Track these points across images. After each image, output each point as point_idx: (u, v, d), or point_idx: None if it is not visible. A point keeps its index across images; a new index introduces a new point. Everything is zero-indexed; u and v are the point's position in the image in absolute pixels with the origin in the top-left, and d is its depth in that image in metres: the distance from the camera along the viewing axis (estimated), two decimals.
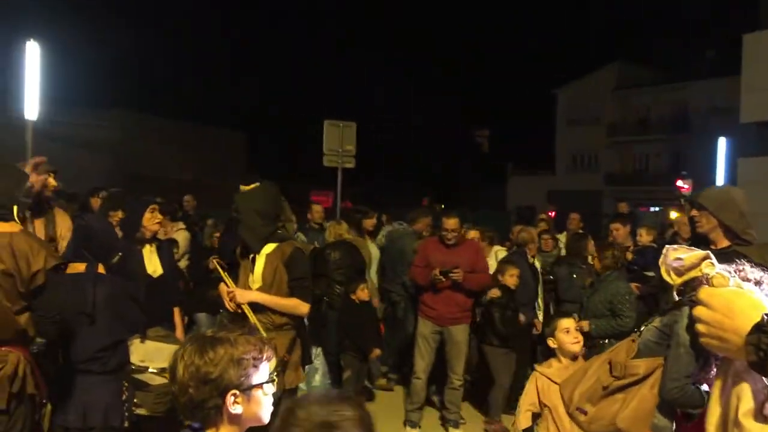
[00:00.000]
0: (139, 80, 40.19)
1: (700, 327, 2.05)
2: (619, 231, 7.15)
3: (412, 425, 6.18)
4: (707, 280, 2.09)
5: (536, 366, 3.99)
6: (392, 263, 7.69)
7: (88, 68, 29.43)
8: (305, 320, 4.34)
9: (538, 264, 7.19)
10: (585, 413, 3.26)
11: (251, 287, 4.03)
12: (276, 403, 3.60)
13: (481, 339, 6.42)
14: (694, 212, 3.66)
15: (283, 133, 43.78)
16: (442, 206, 15.09)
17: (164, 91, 39.50)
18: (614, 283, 5.57)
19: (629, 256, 6.58)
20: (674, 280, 2.24)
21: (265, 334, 3.81)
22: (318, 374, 7.01)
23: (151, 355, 3.95)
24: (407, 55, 63.10)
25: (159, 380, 3.84)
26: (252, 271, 4.06)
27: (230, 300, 3.97)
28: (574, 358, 3.85)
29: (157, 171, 26.92)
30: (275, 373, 3.37)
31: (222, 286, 4.11)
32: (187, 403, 1.83)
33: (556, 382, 3.62)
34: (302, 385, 6.05)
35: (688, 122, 35.18)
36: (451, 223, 6.04)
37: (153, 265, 4.77)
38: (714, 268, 2.13)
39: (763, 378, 1.92)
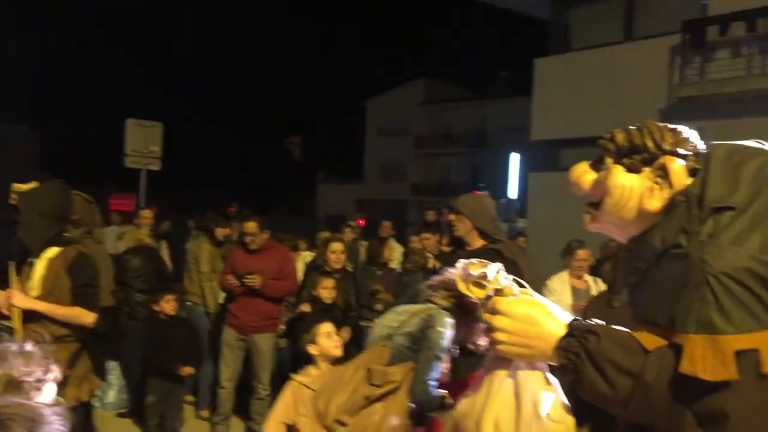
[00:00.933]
0: None
1: (500, 336, 2.16)
2: (429, 240, 7.40)
3: None
4: (497, 291, 2.22)
5: (292, 375, 3.79)
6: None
7: None
8: (98, 332, 3.99)
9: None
10: (344, 425, 3.17)
11: (30, 294, 3.67)
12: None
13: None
14: (452, 217, 4.17)
15: (80, 133, 40.90)
16: (250, 212, 14.83)
17: None
18: (416, 285, 5.76)
19: (433, 263, 6.83)
20: (476, 293, 2.27)
21: (19, 333, 3.48)
22: (112, 390, 6.53)
23: None
24: (223, 58, 61.70)
25: None
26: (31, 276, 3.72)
27: (6, 299, 3.59)
28: (334, 362, 3.74)
29: None
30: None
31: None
32: None
33: (314, 390, 3.46)
34: (96, 403, 5.59)
35: (486, 137, 37.65)
36: (249, 226, 5.91)
37: None
38: (505, 279, 2.26)
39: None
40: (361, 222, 14.27)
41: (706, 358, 1.89)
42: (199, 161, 41.89)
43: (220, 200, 12.44)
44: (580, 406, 2.13)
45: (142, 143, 11.43)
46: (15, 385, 1.52)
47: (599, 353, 1.98)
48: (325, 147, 47.34)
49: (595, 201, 2.44)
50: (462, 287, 2.29)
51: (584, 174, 2.49)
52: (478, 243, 4.20)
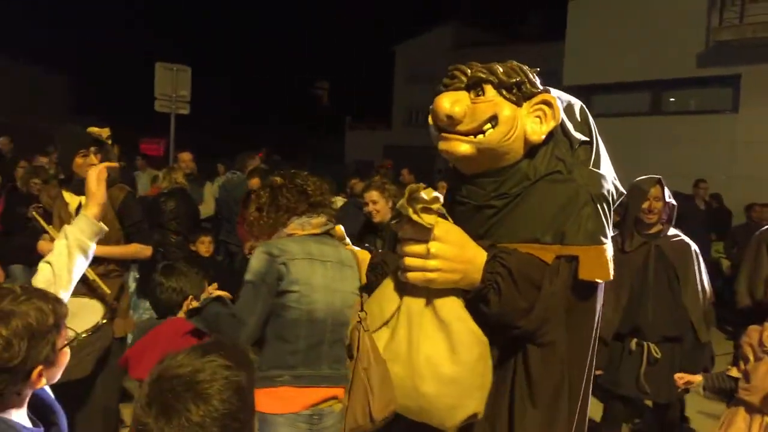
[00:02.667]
0: None
1: (436, 263, 2.22)
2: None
3: None
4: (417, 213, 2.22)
5: None
6: (228, 214, 7.47)
7: None
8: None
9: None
10: None
11: None
12: (106, 354, 3.38)
13: None
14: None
15: (109, 76, 41.02)
16: (279, 157, 14.89)
17: None
18: None
19: None
20: (426, 219, 2.23)
21: (108, 291, 3.56)
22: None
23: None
24: (251, 2, 60.99)
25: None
26: None
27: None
28: None
29: None
30: (104, 321, 3.16)
31: (45, 238, 3.78)
32: None
33: None
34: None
35: None
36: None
37: None
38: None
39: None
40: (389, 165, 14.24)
41: (595, 265, 2.32)
42: (227, 106, 41.88)
43: (249, 145, 12.46)
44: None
45: (171, 87, 11.42)
46: (39, 336, 1.53)
47: (517, 271, 2.26)
48: (352, 93, 47.01)
49: (468, 129, 2.48)
50: (411, 213, 2.21)
51: (460, 102, 2.51)
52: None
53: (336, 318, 2.86)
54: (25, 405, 1.62)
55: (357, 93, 47.08)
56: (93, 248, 2.15)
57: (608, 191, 2.48)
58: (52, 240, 3.66)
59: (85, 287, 3.50)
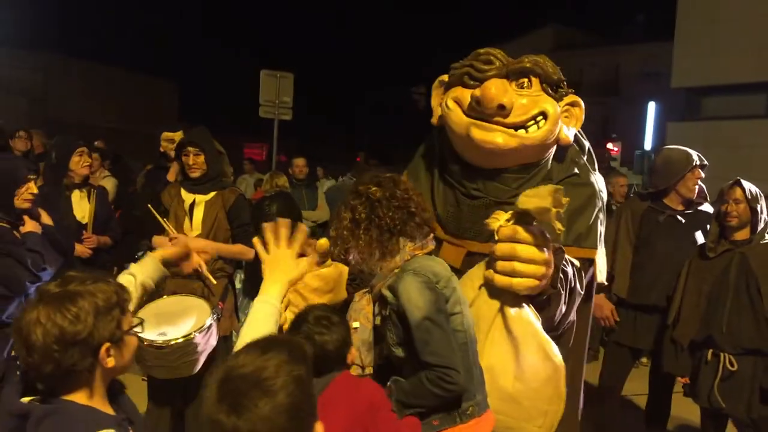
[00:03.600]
0: (66, 22, 38.18)
1: (526, 268, 2.14)
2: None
3: None
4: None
5: None
6: None
7: (8, 6, 27.67)
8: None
9: None
10: None
11: (188, 235, 3.85)
12: (213, 353, 3.46)
13: None
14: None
15: (216, 83, 42.65)
16: (376, 161, 15.01)
17: (91, 36, 37.71)
18: None
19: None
20: (557, 225, 2.18)
21: (215, 282, 3.68)
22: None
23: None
24: (351, 7, 62.06)
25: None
26: (191, 218, 3.91)
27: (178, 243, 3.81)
28: None
29: (79, 117, 25.82)
30: (211, 321, 3.25)
31: (160, 236, 3.93)
32: (54, 371, 1.55)
33: None
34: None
35: (619, 86, 35.89)
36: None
37: (82, 211, 4.61)
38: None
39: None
40: None
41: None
42: (326, 110, 42.67)
43: (345, 148, 12.62)
44: None
45: (275, 93, 11.73)
46: (104, 312, 1.62)
47: (564, 272, 2.27)
48: None
49: (516, 122, 2.38)
50: (553, 217, 2.12)
51: (509, 92, 2.38)
52: None
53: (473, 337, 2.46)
54: (104, 392, 1.69)
55: None
56: (154, 288, 2.23)
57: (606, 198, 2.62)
58: (167, 235, 3.83)
59: (192, 284, 3.64)
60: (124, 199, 7.92)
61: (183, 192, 4.00)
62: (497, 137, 2.39)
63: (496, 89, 2.34)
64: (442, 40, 58.30)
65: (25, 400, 1.58)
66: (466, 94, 2.46)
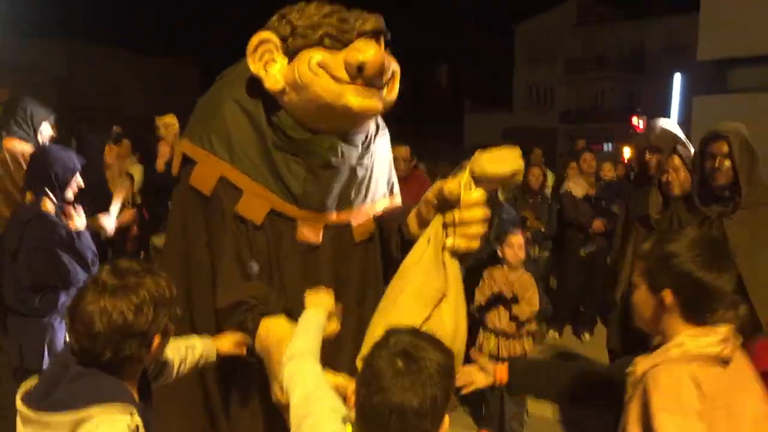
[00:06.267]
0: (92, 10, 38.41)
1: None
2: (586, 161, 6.89)
3: None
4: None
5: None
6: None
7: None
8: None
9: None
10: None
11: None
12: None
13: None
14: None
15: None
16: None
17: (114, 22, 37.91)
18: None
19: (591, 191, 6.58)
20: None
21: None
22: None
23: None
24: None
25: None
26: None
27: None
28: None
29: (106, 103, 26.06)
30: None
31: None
32: (111, 359, 1.62)
33: None
34: None
35: (644, 59, 35.35)
36: (401, 152, 5.87)
37: None
38: None
39: None
40: None
41: None
42: None
43: None
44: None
45: None
46: (162, 304, 1.69)
47: None
48: (472, 75, 46.53)
49: (382, 85, 2.36)
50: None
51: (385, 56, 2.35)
52: None
53: None
54: (137, 379, 1.77)
55: (476, 75, 46.53)
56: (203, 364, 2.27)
57: None
58: None
59: None
60: (152, 184, 7.97)
61: None
62: (377, 103, 2.36)
63: (377, 53, 2.26)
64: (463, 17, 57.79)
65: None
66: (333, 58, 2.27)
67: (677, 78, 20.35)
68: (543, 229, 6.20)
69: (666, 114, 22.43)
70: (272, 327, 2.14)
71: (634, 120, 21.45)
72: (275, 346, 2.05)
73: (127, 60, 31.58)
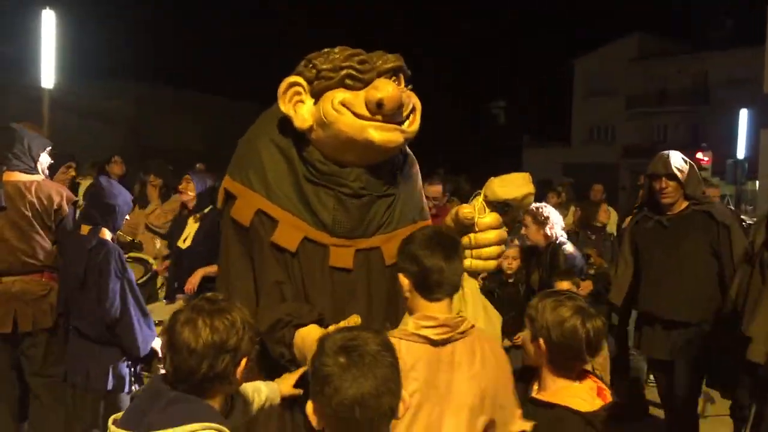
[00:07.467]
0: (155, 51, 39.99)
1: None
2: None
3: None
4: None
5: None
6: None
7: (102, 38, 29.23)
8: None
9: None
10: None
11: None
12: None
13: None
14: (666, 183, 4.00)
15: None
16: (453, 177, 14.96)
17: (179, 63, 39.36)
18: None
19: None
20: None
21: None
22: None
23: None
24: (427, 21, 62.41)
25: None
26: None
27: None
28: None
29: (170, 142, 26.89)
30: None
31: None
32: (205, 375, 1.70)
33: None
34: None
35: (707, 93, 34.66)
36: (433, 190, 5.87)
37: (186, 236, 4.93)
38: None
39: None
40: None
41: None
42: None
43: (426, 166, 12.65)
44: None
45: None
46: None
47: None
48: (530, 110, 46.29)
49: (400, 119, 2.50)
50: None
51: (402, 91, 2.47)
52: (682, 205, 4.10)
53: None
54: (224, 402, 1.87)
55: (534, 110, 46.25)
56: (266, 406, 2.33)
57: None
58: None
59: None
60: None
61: None
62: (398, 136, 2.49)
63: (394, 90, 2.41)
64: (521, 53, 57.84)
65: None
66: (354, 97, 2.45)
67: (743, 113, 19.85)
68: (605, 265, 6.09)
69: (733, 148, 21.86)
70: (306, 334, 2.27)
71: (699, 155, 20.97)
72: (310, 349, 2.15)
73: (188, 100, 32.58)
